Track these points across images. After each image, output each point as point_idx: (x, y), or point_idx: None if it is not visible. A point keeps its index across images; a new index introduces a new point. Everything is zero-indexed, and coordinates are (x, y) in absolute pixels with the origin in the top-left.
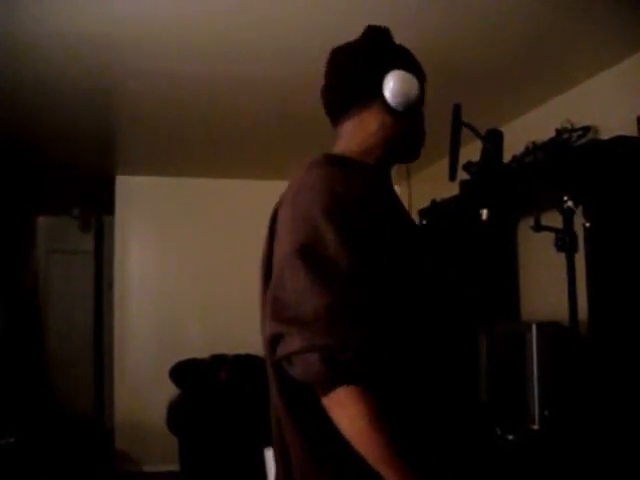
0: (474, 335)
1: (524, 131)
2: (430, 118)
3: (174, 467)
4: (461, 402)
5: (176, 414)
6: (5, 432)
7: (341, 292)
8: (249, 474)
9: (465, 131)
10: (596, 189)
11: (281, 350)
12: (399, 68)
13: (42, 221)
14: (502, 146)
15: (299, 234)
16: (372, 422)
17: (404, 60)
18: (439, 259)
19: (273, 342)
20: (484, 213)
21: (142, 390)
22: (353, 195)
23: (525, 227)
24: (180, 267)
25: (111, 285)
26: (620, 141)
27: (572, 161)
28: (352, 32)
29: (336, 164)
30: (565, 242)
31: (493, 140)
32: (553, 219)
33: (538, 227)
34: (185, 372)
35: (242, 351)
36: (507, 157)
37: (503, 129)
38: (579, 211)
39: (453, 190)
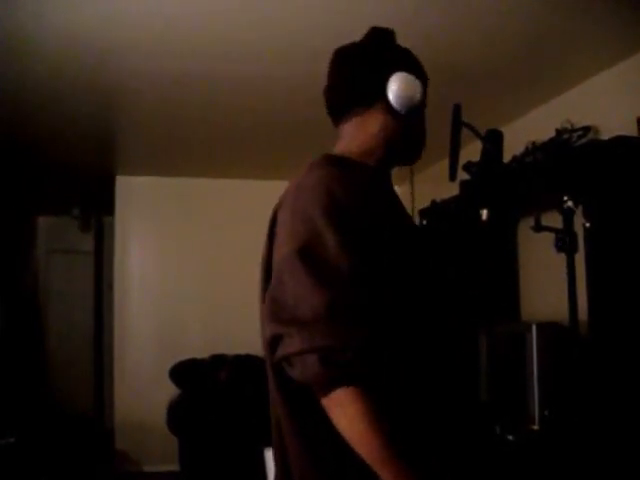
0: (474, 335)
1: (524, 131)
2: (430, 118)
3: (174, 467)
4: (461, 402)
5: (176, 414)
6: (5, 432)
7: (340, 293)
8: (249, 474)
9: (465, 131)
10: (596, 189)
11: (280, 351)
12: (403, 70)
13: (42, 221)
14: (502, 146)
15: (299, 235)
16: (371, 423)
17: (407, 62)
18: (439, 259)
19: (272, 343)
20: (484, 213)
21: (142, 390)
22: (353, 196)
23: (525, 227)
24: (180, 267)
25: (111, 285)
26: (620, 141)
27: (572, 161)
28: (352, 32)
29: (336, 165)
30: (565, 242)
31: (493, 140)
32: (553, 219)
33: (538, 227)
34: (185, 372)
35: (242, 351)
36: (507, 157)
37: (503, 129)
38: (579, 211)
39: (453, 190)
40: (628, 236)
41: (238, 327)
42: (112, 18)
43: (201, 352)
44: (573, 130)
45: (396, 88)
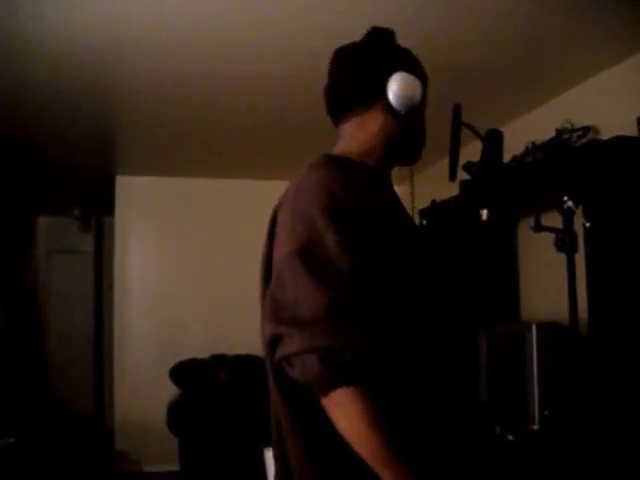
0: (474, 335)
1: (524, 131)
2: (430, 118)
3: (174, 467)
4: (461, 402)
5: (176, 414)
6: (5, 432)
7: (341, 293)
8: (249, 474)
9: (465, 131)
10: (596, 189)
11: (280, 351)
12: (403, 70)
13: (42, 221)
14: (502, 146)
15: (299, 235)
16: (370, 423)
17: (408, 62)
18: (439, 259)
19: (272, 343)
20: (484, 213)
21: (142, 390)
22: (353, 196)
23: (525, 227)
24: (180, 267)
25: (111, 285)
26: (620, 141)
27: (572, 161)
28: (352, 32)
29: (336, 165)
30: (565, 242)
31: (493, 140)
32: (553, 219)
33: (538, 227)
34: (185, 372)
35: (242, 351)
36: (507, 157)
37: (503, 129)
38: (579, 211)
39: (453, 190)
40: (628, 236)
41: (238, 327)
42: (112, 18)
43: (201, 352)
44: (573, 130)
45: (396, 88)
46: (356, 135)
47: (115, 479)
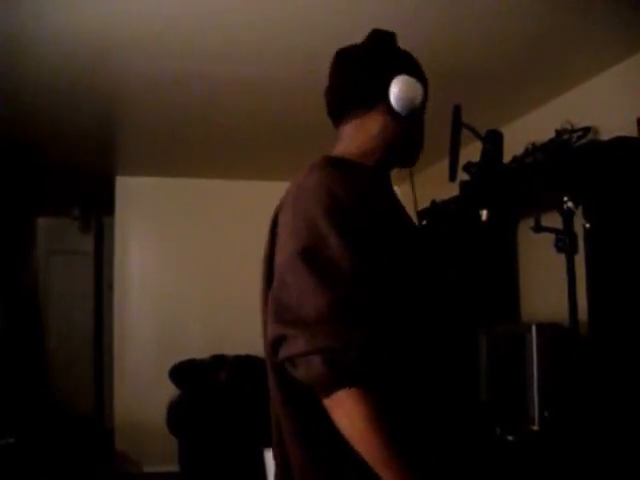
0: (474, 336)
1: (524, 132)
2: (430, 119)
3: (174, 468)
4: (461, 402)
5: (176, 415)
6: (5, 432)
7: (343, 293)
8: (249, 475)
9: (465, 132)
10: (596, 190)
11: (284, 352)
12: (404, 73)
13: (42, 222)
14: (502, 147)
15: (300, 236)
16: (372, 423)
17: (409, 65)
18: (439, 260)
19: (275, 344)
20: (484, 214)
21: (142, 390)
22: (353, 196)
23: (525, 228)
24: (180, 267)
25: (111, 286)
26: (620, 142)
27: (572, 162)
28: (352, 32)
29: (336, 166)
30: (565, 243)
31: (493, 141)
32: (553, 220)
33: (538, 228)
34: (185, 372)
35: (242, 352)
36: (507, 158)
37: (503, 130)
38: (579, 212)
39: (453, 191)
40: (628, 237)
41: (238, 327)
42: (112, 19)
43: (201, 352)
44: (573, 131)
45: (397, 91)
46: (356, 137)
47: (115, 479)
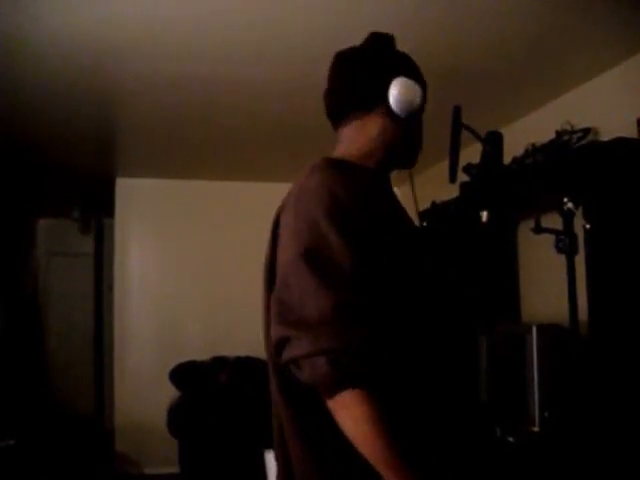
0: (474, 336)
1: (524, 133)
2: (430, 120)
3: (174, 469)
4: (461, 403)
5: (176, 416)
6: (5, 434)
7: (346, 295)
8: (249, 476)
9: (465, 133)
10: (596, 191)
11: (288, 353)
12: (403, 75)
13: (42, 223)
14: (502, 148)
15: (302, 238)
16: (375, 424)
17: (408, 67)
18: (439, 260)
19: (279, 345)
20: (484, 215)
21: (142, 391)
22: (354, 198)
23: (525, 229)
24: (180, 269)
25: (111, 287)
26: (620, 143)
27: (572, 163)
28: (352, 33)
29: (337, 167)
30: (565, 244)
31: (493, 142)
32: (553, 221)
33: (538, 229)
34: (185, 374)
35: (243, 353)
36: (507, 159)
37: (503, 131)
38: (579, 213)
39: (453, 192)
40: (628, 238)
41: (238, 329)
42: (110, 20)
43: (201, 353)
44: (573, 132)
45: (397, 93)
46: (356, 139)
47: None
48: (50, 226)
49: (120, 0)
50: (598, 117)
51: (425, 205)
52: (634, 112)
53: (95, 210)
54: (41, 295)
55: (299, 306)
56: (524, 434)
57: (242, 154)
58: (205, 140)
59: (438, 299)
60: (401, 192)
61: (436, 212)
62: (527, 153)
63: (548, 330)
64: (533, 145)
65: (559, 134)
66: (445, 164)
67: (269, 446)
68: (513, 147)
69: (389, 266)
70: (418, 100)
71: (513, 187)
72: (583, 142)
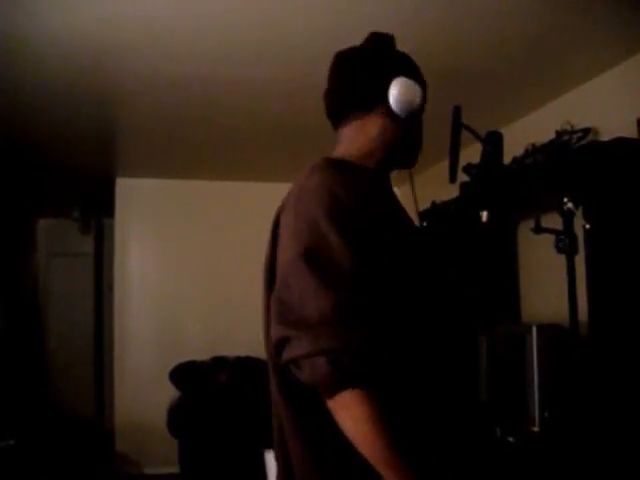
0: (474, 336)
1: (524, 133)
2: (430, 120)
3: (174, 469)
4: (461, 403)
5: (176, 416)
6: (5, 434)
7: (346, 294)
8: (249, 476)
9: (465, 133)
10: (596, 191)
11: (288, 353)
12: (403, 75)
13: (42, 223)
14: (502, 148)
15: (302, 237)
16: (375, 424)
17: (408, 67)
18: (439, 260)
19: (279, 345)
20: (484, 215)
21: (142, 391)
22: (354, 198)
23: (525, 229)
24: (180, 269)
25: (111, 287)
26: (620, 143)
27: (572, 163)
28: (352, 33)
29: (337, 167)
30: (565, 244)
31: (493, 142)
32: (553, 221)
33: (538, 229)
34: (185, 374)
35: (243, 353)
36: (507, 159)
37: (503, 131)
38: (579, 213)
39: (453, 192)
40: (628, 238)
41: (238, 329)
42: (110, 20)
43: (201, 353)
44: (573, 132)
45: (397, 93)
46: (356, 139)
47: None
48: (50, 226)
49: (120, 0)
50: (598, 117)
51: (425, 205)
52: (634, 112)
53: (95, 210)
54: (41, 295)
55: (299, 306)
56: (524, 434)
57: (242, 154)
58: (205, 140)
59: (438, 299)
60: (401, 192)
61: (436, 212)
62: (527, 153)
63: (548, 330)
64: (533, 145)
65: (559, 134)
66: (445, 164)
67: (269, 446)
68: (513, 147)
69: (389, 266)
70: (418, 100)
71: (513, 187)
72: (583, 142)
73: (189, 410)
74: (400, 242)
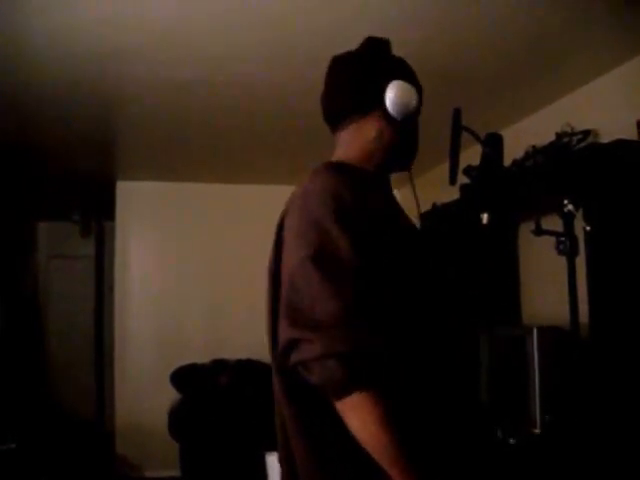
0: (475, 338)
1: (524, 135)
2: (430, 122)
3: (175, 472)
4: (462, 404)
5: (177, 419)
6: (6, 438)
7: (354, 297)
8: (250, 479)
9: (465, 135)
10: (596, 193)
11: (297, 356)
12: (399, 78)
13: (43, 226)
14: (502, 150)
15: (309, 239)
16: (383, 424)
17: (403, 71)
18: (439, 262)
19: (287, 347)
20: (484, 217)
21: (143, 394)
22: (357, 200)
23: (526, 231)
24: (181, 271)
25: (112, 289)
26: (620, 145)
27: (572, 165)
28: (352, 34)
29: (339, 170)
30: (566, 245)
31: (493, 144)
32: (554, 223)
33: (539, 231)
34: (186, 377)
35: (243, 356)
36: (507, 161)
37: (503, 133)
38: (579, 215)
39: (454, 194)
40: (629, 239)
41: (238, 332)
42: (111, 23)
43: (202, 355)
44: (573, 134)
45: (393, 96)
46: (353, 142)
47: None
48: (51, 229)
49: (121, 3)
50: (598, 119)
51: (426, 207)
52: (634, 114)
53: (96, 213)
54: (41, 296)
55: (308, 308)
56: (525, 436)
57: (242, 157)
58: (205, 143)
59: (438, 300)
60: (402, 194)
61: (437, 214)
62: (527, 155)
63: (549, 332)
64: (533, 147)
65: (559, 136)
66: (445, 166)
67: (270, 448)
68: (513, 149)
69: (390, 267)
70: (414, 103)
71: (513, 189)
72: (583, 144)
73: (190, 413)
74: (401, 244)
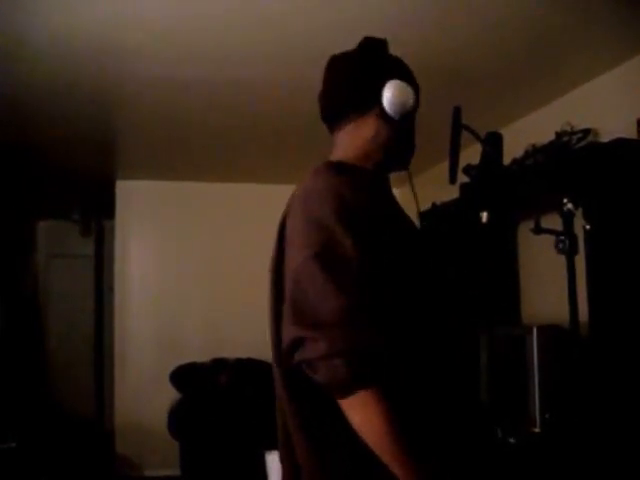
0: (475, 337)
1: (524, 134)
2: (430, 120)
3: (175, 471)
4: (462, 403)
5: (177, 418)
6: (6, 437)
7: (358, 296)
8: (250, 478)
9: (465, 134)
10: (596, 191)
11: (302, 354)
12: (396, 78)
13: (42, 225)
14: (502, 149)
15: (312, 239)
16: (387, 421)
17: (400, 70)
18: (439, 261)
19: (292, 346)
20: (484, 216)
21: (143, 393)
22: (358, 199)
23: (525, 230)
24: (180, 270)
25: (112, 288)
26: (620, 143)
27: (572, 164)
28: (352, 33)
29: (340, 170)
30: (565, 244)
31: (493, 143)
32: (553, 221)
33: (538, 230)
34: (186, 376)
35: (243, 355)
36: (507, 160)
37: (503, 132)
38: (579, 213)
39: (453, 193)
40: (628, 238)
41: (238, 331)
42: (111, 22)
43: (202, 354)
44: (573, 132)
45: (390, 95)
46: (351, 142)
47: None
48: (50, 228)
49: (121, 2)
50: (598, 118)
51: (425, 206)
52: (634, 113)
53: (95, 212)
54: (41, 296)
55: (313, 308)
56: (525, 435)
57: (242, 156)
58: (205, 142)
59: (438, 299)
60: (401, 193)
61: (436, 213)
62: (527, 154)
63: (548, 331)
64: (533, 146)
65: (559, 135)
66: (445, 165)
67: (270, 447)
68: (513, 148)
69: (392, 267)
70: (411, 102)
71: (513, 188)
72: (583, 143)
73: (190, 412)
74: (401, 243)
